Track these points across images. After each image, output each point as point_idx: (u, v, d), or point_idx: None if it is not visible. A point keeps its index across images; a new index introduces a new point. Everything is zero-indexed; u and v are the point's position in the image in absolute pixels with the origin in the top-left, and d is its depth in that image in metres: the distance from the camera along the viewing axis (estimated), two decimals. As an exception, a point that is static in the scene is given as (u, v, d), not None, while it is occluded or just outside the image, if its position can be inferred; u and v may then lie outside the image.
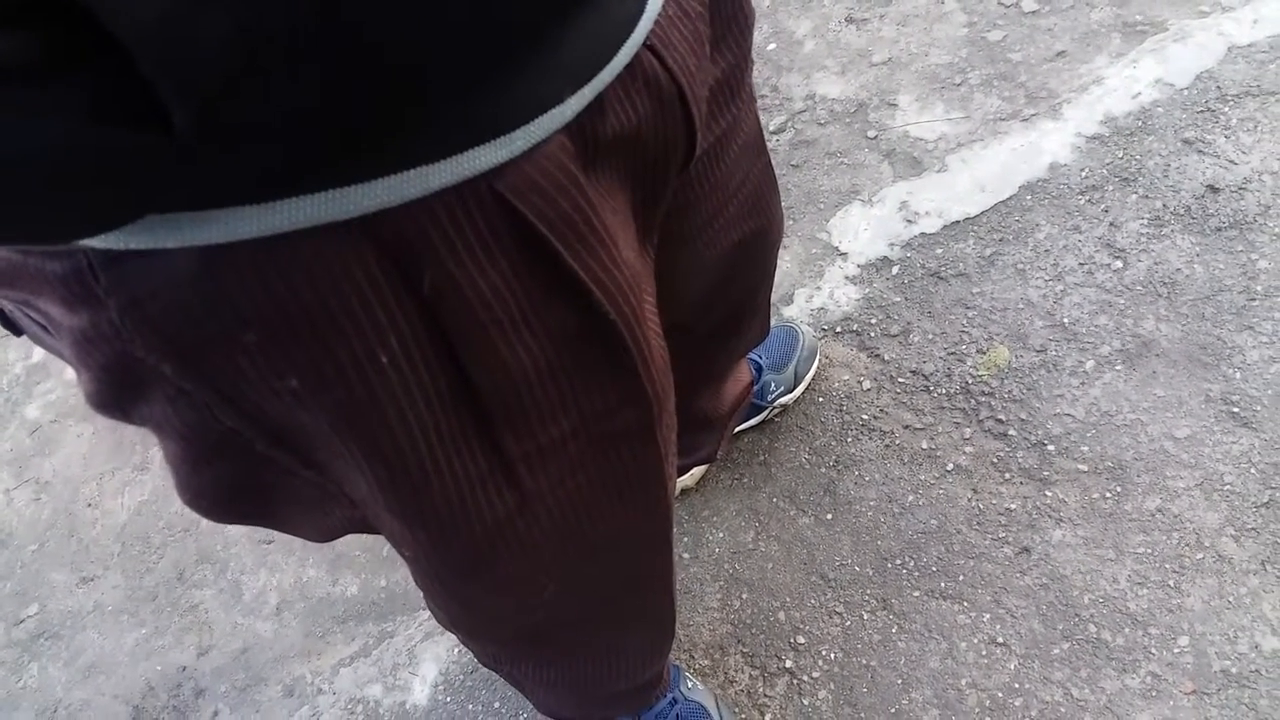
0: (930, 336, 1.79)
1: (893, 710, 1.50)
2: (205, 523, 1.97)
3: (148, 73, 0.36)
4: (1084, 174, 1.89)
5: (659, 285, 0.92)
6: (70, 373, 2.25)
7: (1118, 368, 1.68)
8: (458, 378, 0.56)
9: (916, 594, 1.58)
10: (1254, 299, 1.67)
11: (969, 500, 1.63)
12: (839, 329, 1.86)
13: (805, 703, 1.53)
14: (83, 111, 0.37)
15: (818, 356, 1.79)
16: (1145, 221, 1.80)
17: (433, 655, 1.71)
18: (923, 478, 1.67)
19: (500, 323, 0.54)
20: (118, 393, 0.55)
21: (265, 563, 1.90)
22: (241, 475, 0.62)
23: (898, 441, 1.72)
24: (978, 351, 1.75)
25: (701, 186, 0.83)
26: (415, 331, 0.52)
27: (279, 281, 0.47)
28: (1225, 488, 1.54)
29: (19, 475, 2.18)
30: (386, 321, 0.51)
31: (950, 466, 1.67)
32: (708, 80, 0.70)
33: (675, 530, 1.71)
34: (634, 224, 0.65)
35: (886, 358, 1.80)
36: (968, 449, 1.67)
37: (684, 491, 1.76)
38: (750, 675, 1.58)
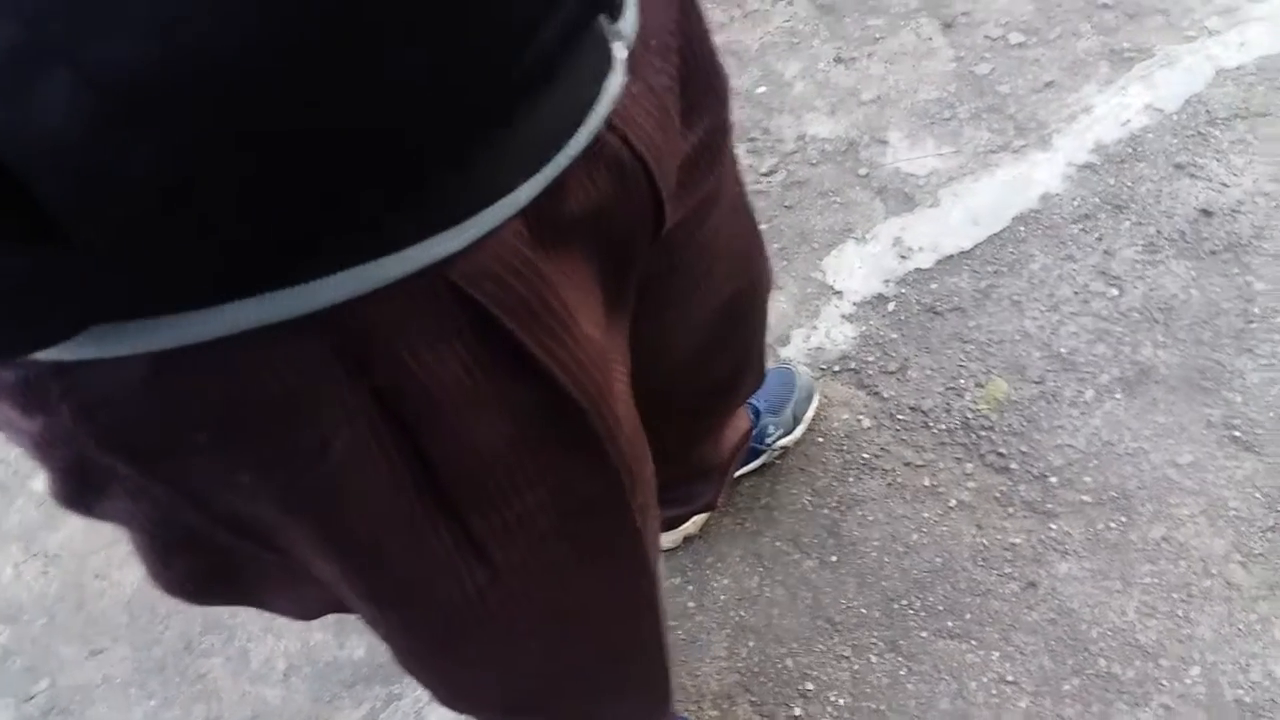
0: (928, 372, 1.78)
1: (904, 754, 1.48)
2: (212, 590, 1.97)
3: (63, 217, 0.36)
4: (1076, 203, 1.88)
5: (649, 350, 0.91)
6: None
7: (1117, 396, 1.66)
8: (417, 462, 0.55)
9: (924, 634, 1.56)
10: (1252, 321, 1.66)
11: (973, 536, 1.61)
12: (837, 368, 1.85)
13: (816, 750, 1.52)
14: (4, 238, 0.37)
15: (816, 397, 1.78)
16: (1139, 248, 1.79)
17: (439, 717, 1.70)
18: (926, 515, 1.65)
19: (459, 408, 0.54)
20: (80, 491, 0.55)
21: (272, 628, 1.90)
22: (211, 563, 0.62)
23: (899, 479, 1.70)
24: (976, 385, 1.74)
25: (686, 251, 0.83)
26: (371, 420, 0.51)
27: (229, 381, 0.47)
28: (1230, 513, 1.52)
29: (27, 549, 2.18)
30: (340, 413, 0.50)
31: (953, 503, 1.65)
32: (677, 153, 0.70)
33: (679, 579, 1.70)
34: (601, 298, 0.64)
35: (885, 395, 1.79)
36: (970, 484, 1.66)
37: (688, 539, 1.75)
38: (759, 724, 1.56)
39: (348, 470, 0.53)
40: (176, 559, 0.61)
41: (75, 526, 2.17)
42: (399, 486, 0.55)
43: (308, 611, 0.76)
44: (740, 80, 2.34)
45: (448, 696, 0.87)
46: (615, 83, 0.57)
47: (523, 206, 0.52)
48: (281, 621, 1.87)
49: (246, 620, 1.91)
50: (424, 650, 0.73)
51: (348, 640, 1.83)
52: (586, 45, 0.54)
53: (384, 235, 0.46)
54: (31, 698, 1.98)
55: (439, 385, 0.52)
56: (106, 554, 2.11)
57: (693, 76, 0.73)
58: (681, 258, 0.83)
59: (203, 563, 0.62)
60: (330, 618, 1.79)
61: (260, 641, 1.89)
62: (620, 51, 0.58)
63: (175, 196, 0.38)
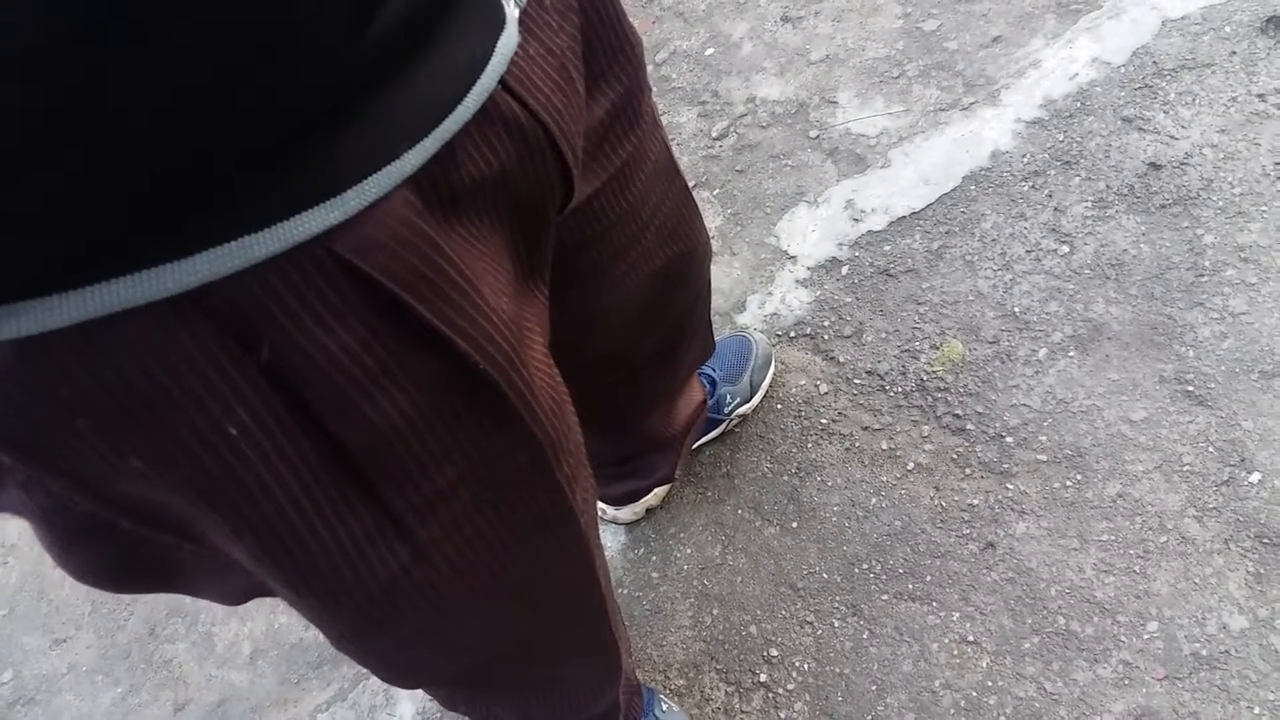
0: (883, 335, 1.79)
1: (869, 717, 1.49)
2: (173, 575, 1.96)
3: None
4: (1026, 160, 1.88)
5: (585, 319, 0.91)
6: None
7: (1071, 354, 1.67)
8: (323, 440, 0.54)
9: (885, 598, 1.57)
10: (1202, 275, 1.67)
11: (931, 499, 1.62)
12: (793, 333, 1.85)
13: (782, 716, 1.53)
14: None
15: (773, 364, 1.79)
16: (1089, 204, 1.80)
17: (408, 695, 1.70)
18: (884, 479, 1.66)
19: (358, 381, 0.53)
20: None
21: (236, 612, 1.89)
22: (120, 551, 0.60)
23: (858, 444, 1.71)
24: (931, 347, 1.75)
25: (608, 217, 0.83)
26: (266, 399, 0.50)
27: (104, 365, 0.46)
28: (1184, 468, 1.54)
29: (-15, 540, 2.16)
30: (230, 393, 0.49)
31: (911, 466, 1.66)
32: (583, 116, 0.69)
33: (642, 550, 1.71)
34: (510, 266, 0.64)
35: (841, 360, 1.79)
36: (927, 447, 1.67)
37: (650, 511, 1.75)
38: (726, 692, 1.57)
39: (249, 453, 0.52)
40: (80, 549, 0.59)
41: (32, 516, 2.14)
42: (307, 467, 0.54)
43: (234, 597, 0.75)
44: (689, 42, 2.32)
45: (389, 675, 0.87)
46: (508, 43, 0.56)
47: (409, 175, 0.51)
48: (246, 604, 1.86)
49: (210, 604, 1.91)
50: (350, 633, 0.72)
51: (313, 622, 1.82)
52: (473, 3, 0.53)
53: (251, 210, 0.45)
54: (-4, 689, 1.97)
55: (334, 362, 0.51)
56: (65, 542, 2.09)
57: (598, 38, 0.72)
58: (605, 225, 0.83)
59: (111, 551, 0.60)
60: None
61: (224, 625, 1.89)
62: (512, 10, 0.57)
63: None
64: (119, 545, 0.60)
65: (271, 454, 0.52)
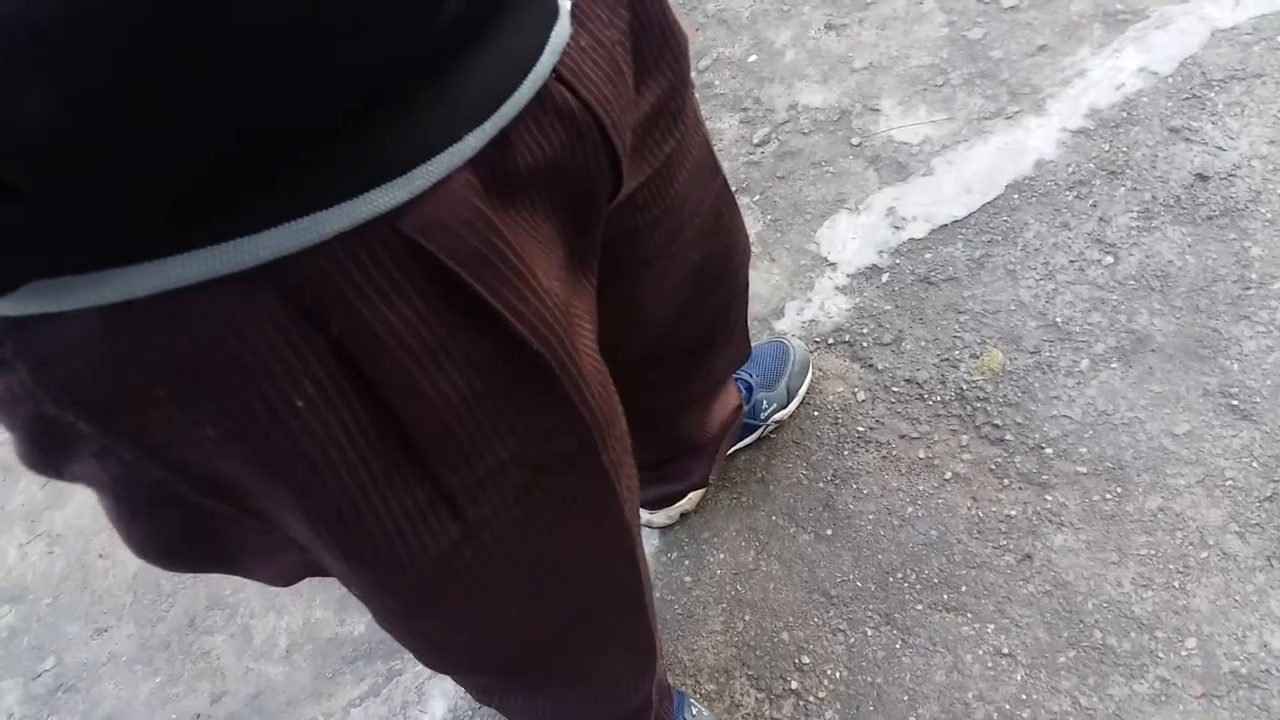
0: (923, 343, 1.78)
1: (901, 727, 1.49)
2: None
3: None
4: (1070, 169, 1.87)
5: (623, 314, 0.91)
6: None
7: (1113, 365, 1.66)
8: (382, 414, 0.55)
9: (919, 607, 1.56)
10: (1249, 287, 1.65)
11: (969, 509, 1.61)
12: (831, 340, 1.84)
13: (813, 723, 1.52)
14: None
15: (810, 370, 1.78)
16: (1135, 214, 1.78)
17: (441, 691, 1.71)
18: (921, 488, 1.66)
19: (418, 358, 0.54)
20: (45, 451, 0.55)
21: (274, 605, 1.91)
22: (183, 524, 0.62)
23: (895, 452, 1.70)
24: (971, 356, 1.74)
25: (652, 211, 0.83)
26: (331, 373, 0.52)
27: (182, 335, 0.47)
28: (1227, 483, 1.52)
29: (32, 529, 2.19)
30: (299, 366, 0.50)
31: (948, 475, 1.65)
32: (631, 109, 0.70)
33: (676, 554, 1.71)
34: (562, 253, 0.65)
35: (880, 367, 1.78)
36: (965, 456, 1.66)
37: (684, 515, 1.75)
38: (756, 698, 1.57)
39: (314, 425, 0.53)
40: (146, 520, 0.61)
41: (79, 506, 2.18)
42: (366, 442, 0.55)
43: (285, 577, 0.76)
44: (732, 49, 2.32)
45: (429, 657, 0.87)
46: (561, 33, 0.57)
47: (470, 157, 0.52)
48: (283, 598, 1.89)
49: (249, 597, 1.93)
50: (400, 609, 0.73)
51: (348, 617, 1.84)
52: None
53: (325, 187, 0.47)
54: (38, 676, 2.00)
55: (397, 338, 0.52)
56: (110, 533, 2.11)
57: (645, 33, 0.73)
58: (648, 219, 0.83)
59: (175, 524, 0.61)
60: (332, 595, 1.81)
61: (262, 619, 1.91)
62: (565, 2, 0.58)
63: (75, 147, 0.39)
64: (183, 518, 0.61)
65: (334, 427, 0.54)
